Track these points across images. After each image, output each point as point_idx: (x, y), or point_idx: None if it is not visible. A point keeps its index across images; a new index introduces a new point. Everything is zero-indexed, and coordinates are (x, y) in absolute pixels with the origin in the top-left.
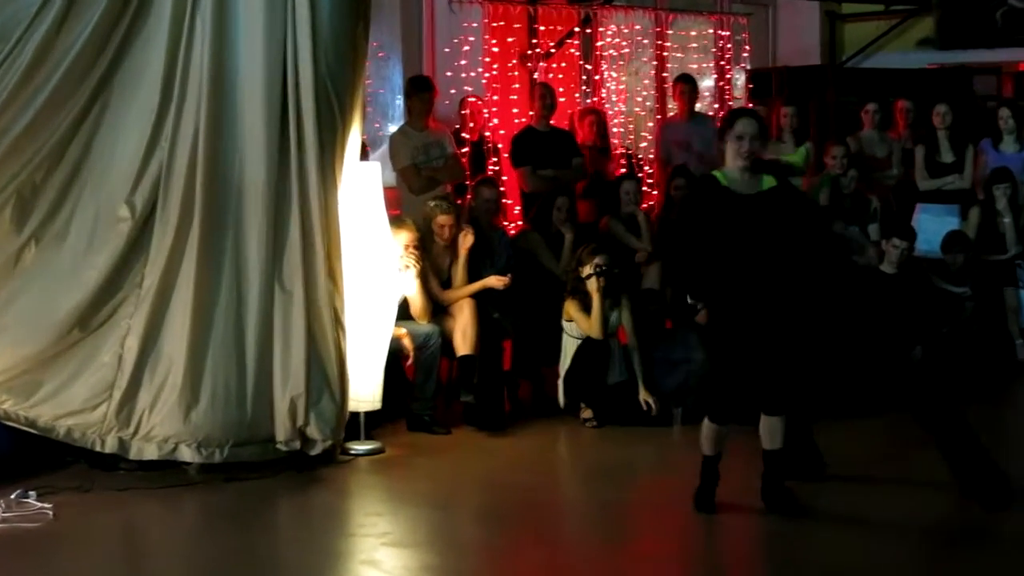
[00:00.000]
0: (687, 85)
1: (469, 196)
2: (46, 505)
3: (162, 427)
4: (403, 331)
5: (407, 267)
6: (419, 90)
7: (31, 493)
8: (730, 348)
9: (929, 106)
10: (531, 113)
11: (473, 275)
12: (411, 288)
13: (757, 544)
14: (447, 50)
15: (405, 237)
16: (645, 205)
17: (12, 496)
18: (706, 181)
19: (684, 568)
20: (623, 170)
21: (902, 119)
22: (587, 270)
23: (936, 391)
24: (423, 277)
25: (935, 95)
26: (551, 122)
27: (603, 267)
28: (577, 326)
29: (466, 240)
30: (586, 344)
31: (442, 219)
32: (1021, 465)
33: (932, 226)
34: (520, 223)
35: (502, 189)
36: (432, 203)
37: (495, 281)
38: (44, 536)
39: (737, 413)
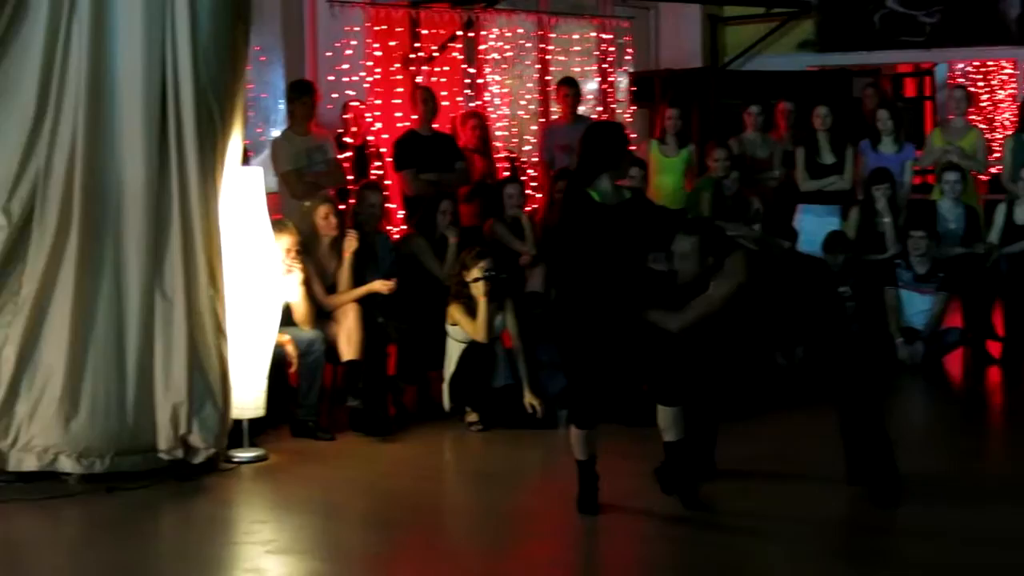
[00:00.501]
0: (570, 88)
1: (352, 201)
2: None
3: (41, 437)
4: (286, 338)
5: (290, 271)
6: (301, 94)
7: None
8: (587, 352)
9: (809, 108)
10: (414, 117)
11: (358, 280)
12: (295, 294)
13: (643, 545)
14: (329, 54)
15: (287, 241)
16: (528, 208)
17: None
18: (580, 194)
19: (570, 571)
20: (506, 173)
21: (783, 121)
22: (473, 274)
23: (864, 375)
24: (307, 282)
25: (815, 97)
26: (434, 126)
27: (489, 271)
28: (462, 330)
29: (350, 244)
30: (471, 348)
31: (322, 210)
32: (904, 463)
33: (813, 226)
34: (404, 227)
35: (386, 194)
36: (306, 204)
37: (380, 286)
38: None
39: (600, 415)
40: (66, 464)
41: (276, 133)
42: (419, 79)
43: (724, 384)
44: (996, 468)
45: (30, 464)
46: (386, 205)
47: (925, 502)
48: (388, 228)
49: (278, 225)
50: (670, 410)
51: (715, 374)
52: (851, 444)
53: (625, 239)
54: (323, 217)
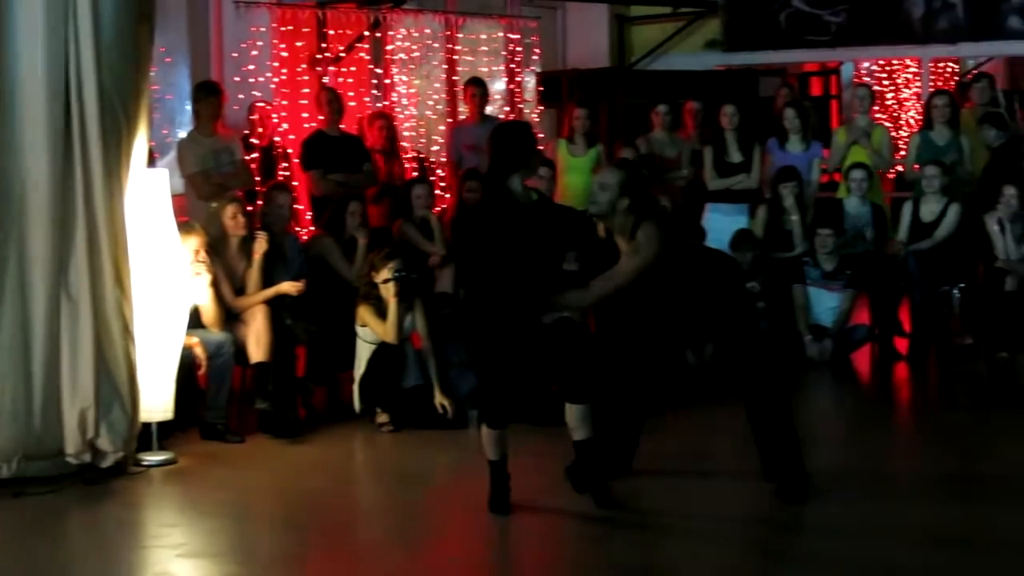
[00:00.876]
0: (478, 88)
1: (260, 202)
2: None
3: None
4: (195, 340)
5: (198, 273)
6: (207, 95)
7: None
8: (498, 352)
9: (717, 107)
10: (320, 118)
11: (267, 281)
12: (203, 295)
13: (556, 544)
14: (235, 54)
15: (194, 242)
16: (437, 209)
17: None
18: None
19: (482, 571)
20: (415, 174)
21: (691, 120)
22: (382, 275)
23: (771, 373)
24: (215, 284)
25: (722, 96)
26: (341, 127)
27: (399, 272)
28: (372, 331)
29: (260, 246)
30: (381, 349)
31: (230, 210)
32: (813, 459)
33: (721, 225)
34: (312, 229)
35: (293, 195)
36: (213, 204)
37: (288, 287)
38: None
39: (512, 415)
40: None
41: (182, 134)
42: (326, 80)
43: (645, 381)
44: (904, 464)
45: None
46: (294, 206)
47: (835, 499)
48: (296, 229)
49: (185, 227)
50: (578, 408)
51: (635, 371)
52: (762, 441)
53: (537, 239)
54: (231, 217)
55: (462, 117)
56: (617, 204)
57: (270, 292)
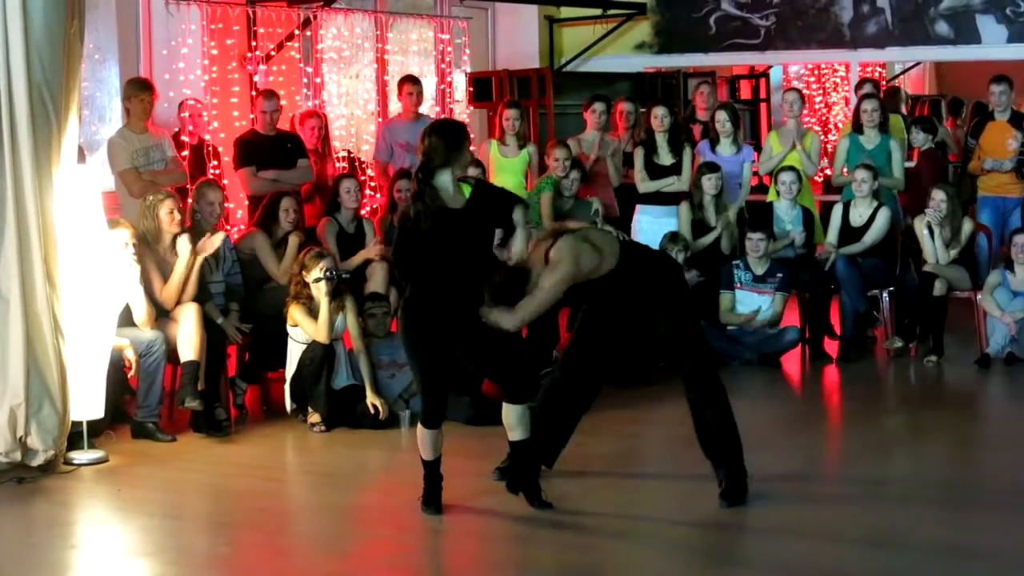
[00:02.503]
0: (413, 86)
1: (191, 199)
2: None
3: None
4: (125, 342)
5: (129, 264)
6: (138, 92)
7: None
8: (433, 352)
9: (647, 109)
10: (251, 116)
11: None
12: (133, 289)
13: (488, 544)
14: (165, 52)
15: (124, 234)
16: (368, 208)
17: None
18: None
19: (414, 570)
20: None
21: (622, 121)
22: (313, 274)
23: (715, 372)
24: (145, 279)
25: (652, 98)
26: (275, 126)
27: (330, 271)
28: (303, 330)
29: (212, 244)
30: (311, 348)
31: (168, 205)
32: (747, 460)
33: (651, 227)
34: (241, 227)
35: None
36: (149, 198)
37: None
38: None
39: (444, 415)
40: None
41: (111, 131)
42: (257, 78)
43: (592, 381)
44: (834, 466)
45: None
46: (224, 203)
47: (771, 500)
48: (226, 228)
49: (113, 221)
50: (516, 408)
51: (584, 371)
52: (706, 440)
53: (468, 237)
54: (168, 213)
55: (394, 115)
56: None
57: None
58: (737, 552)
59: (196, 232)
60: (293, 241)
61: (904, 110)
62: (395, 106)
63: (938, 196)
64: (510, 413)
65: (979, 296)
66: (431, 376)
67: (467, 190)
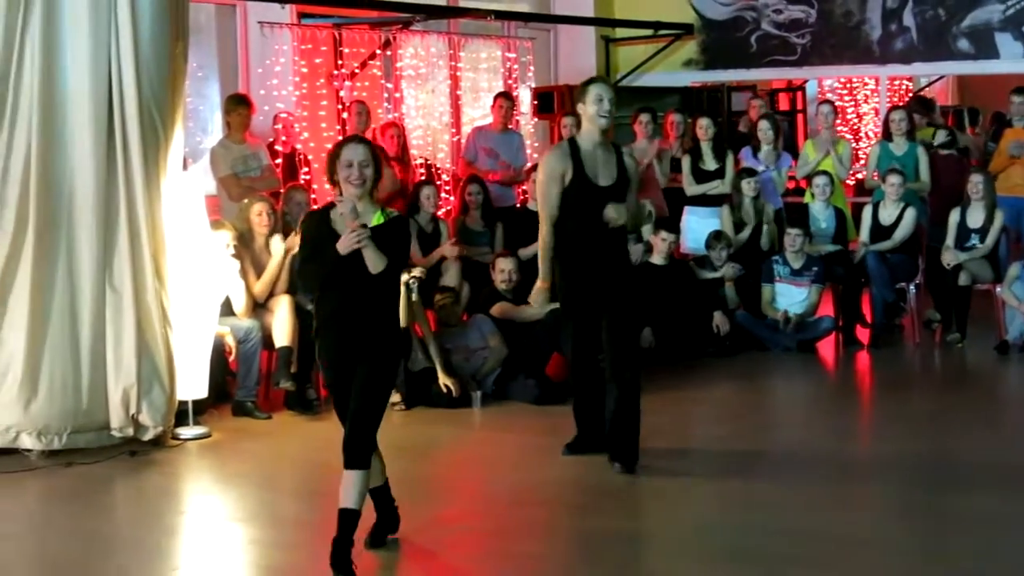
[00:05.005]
0: (505, 100)
1: (281, 203)
2: None
3: (4, 417)
4: (226, 329)
5: (229, 263)
6: (237, 106)
7: None
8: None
9: (694, 120)
10: (337, 127)
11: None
12: (234, 286)
13: (549, 510)
14: (260, 70)
15: (226, 235)
16: (443, 210)
17: None
18: (317, 216)
19: (485, 534)
20: (422, 178)
21: (672, 131)
22: (403, 277)
23: (632, 355)
24: (244, 276)
25: (698, 110)
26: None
27: (418, 279)
28: None
29: (292, 242)
30: None
31: (257, 207)
32: (782, 439)
33: (698, 226)
34: None
35: (314, 196)
36: (244, 201)
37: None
38: None
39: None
40: (27, 441)
41: (213, 141)
42: (343, 93)
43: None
44: (867, 442)
45: None
46: (312, 206)
47: (806, 474)
48: None
49: (216, 224)
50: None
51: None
52: (621, 417)
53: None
54: (256, 215)
55: (486, 124)
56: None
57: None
58: (776, 522)
59: (287, 231)
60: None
61: (939, 121)
62: (466, 118)
63: (976, 178)
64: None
65: (999, 288)
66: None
67: (379, 218)
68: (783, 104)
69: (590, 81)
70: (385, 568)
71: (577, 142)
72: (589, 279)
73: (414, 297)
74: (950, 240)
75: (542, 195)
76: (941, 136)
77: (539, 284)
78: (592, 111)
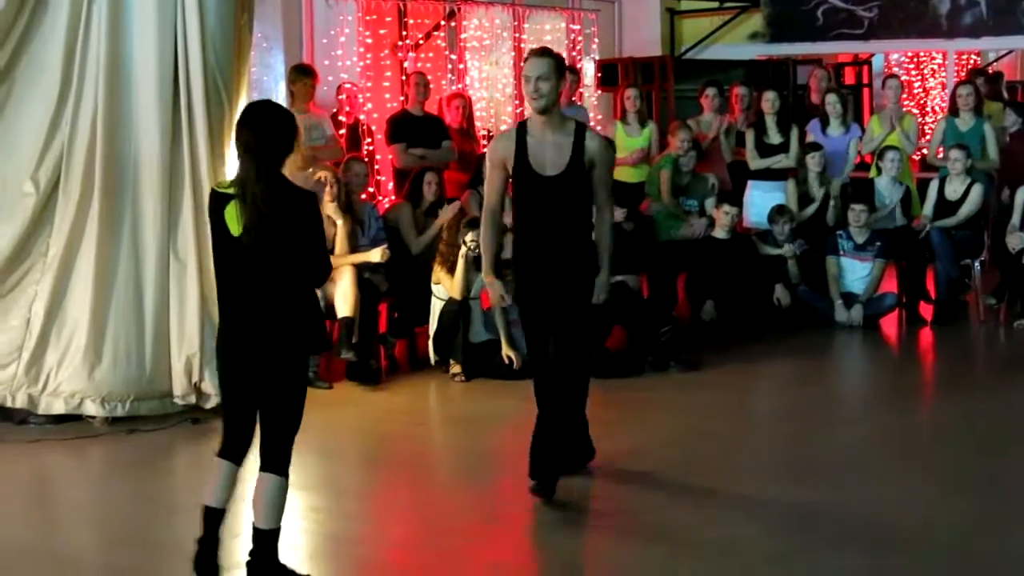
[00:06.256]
0: (569, 74)
1: (341, 172)
2: None
3: (68, 384)
4: None
5: None
6: (302, 76)
7: None
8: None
9: (759, 93)
10: (401, 98)
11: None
12: None
13: (601, 481)
14: (325, 41)
15: None
16: None
17: None
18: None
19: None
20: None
21: (737, 104)
22: (464, 240)
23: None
24: None
25: (764, 83)
26: (424, 107)
27: (477, 242)
28: (443, 288)
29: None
30: (449, 304)
31: (320, 174)
32: (846, 417)
33: (761, 200)
34: (393, 198)
35: (376, 167)
36: (308, 170)
37: (375, 255)
38: None
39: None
40: (91, 408)
41: None
42: (406, 64)
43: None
44: (930, 417)
45: (58, 408)
46: (372, 176)
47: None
48: (379, 199)
49: None
50: (272, 480)
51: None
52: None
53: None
54: (317, 180)
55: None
56: (558, 88)
57: (359, 258)
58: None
59: (348, 202)
60: (441, 215)
61: (1006, 96)
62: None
63: None
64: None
65: None
66: (233, 406)
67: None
68: (849, 78)
69: (526, 58)
70: (452, 535)
71: (527, 125)
72: (534, 280)
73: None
74: (1016, 219)
75: (486, 182)
76: (1011, 120)
77: (484, 277)
78: (525, 93)
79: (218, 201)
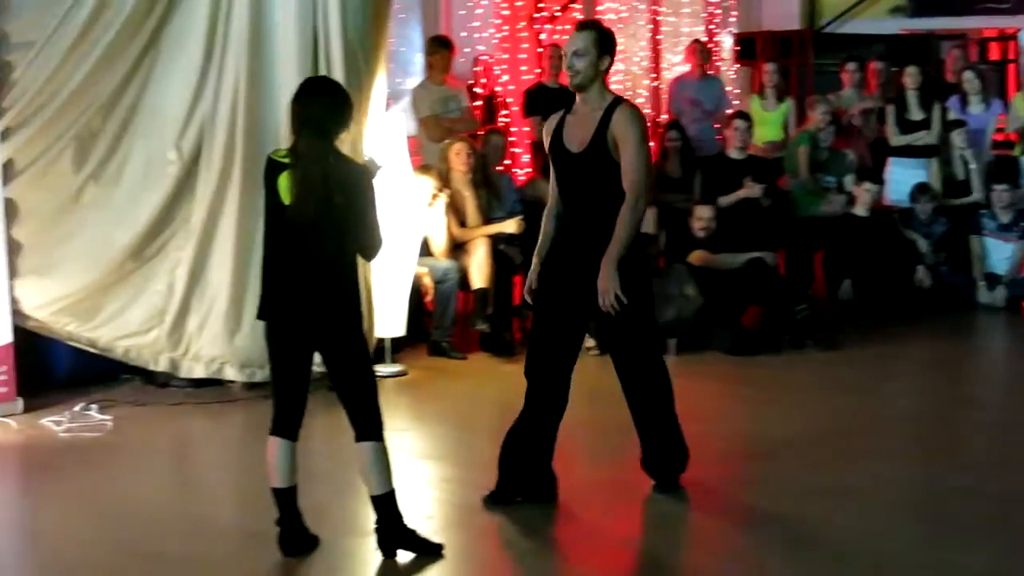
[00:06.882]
0: (699, 46)
1: (479, 144)
2: (106, 417)
3: (209, 348)
4: (424, 269)
5: (431, 205)
6: (439, 48)
7: (93, 406)
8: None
9: (899, 68)
10: (537, 70)
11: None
12: (436, 227)
13: (733, 460)
14: (462, 12)
15: (430, 181)
16: None
17: (76, 408)
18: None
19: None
20: None
21: (874, 79)
22: None
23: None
24: (446, 217)
25: (905, 58)
26: (559, 80)
27: None
28: None
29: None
30: None
31: (456, 147)
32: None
33: (902, 178)
34: (529, 171)
35: (512, 138)
36: (445, 141)
37: (510, 226)
38: (104, 445)
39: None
40: (230, 372)
41: (414, 83)
42: (543, 36)
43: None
44: None
45: (199, 372)
46: (509, 148)
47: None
48: (514, 171)
49: (424, 168)
50: (367, 447)
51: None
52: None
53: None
54: (456, 154)
55: (684, 72)
56: (599, 65)
57: (493, 228)
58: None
59: (484, 174)
60: None
61: None
62: (666, 63)
63: None
64: (366, 455)
65: None
66: (282, 379)
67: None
68: (994, 53)
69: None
70: (582, 511)
71: (575, 104)
72: (555, 268)
73: None
74: None
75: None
76: None
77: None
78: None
79: (273, 168)
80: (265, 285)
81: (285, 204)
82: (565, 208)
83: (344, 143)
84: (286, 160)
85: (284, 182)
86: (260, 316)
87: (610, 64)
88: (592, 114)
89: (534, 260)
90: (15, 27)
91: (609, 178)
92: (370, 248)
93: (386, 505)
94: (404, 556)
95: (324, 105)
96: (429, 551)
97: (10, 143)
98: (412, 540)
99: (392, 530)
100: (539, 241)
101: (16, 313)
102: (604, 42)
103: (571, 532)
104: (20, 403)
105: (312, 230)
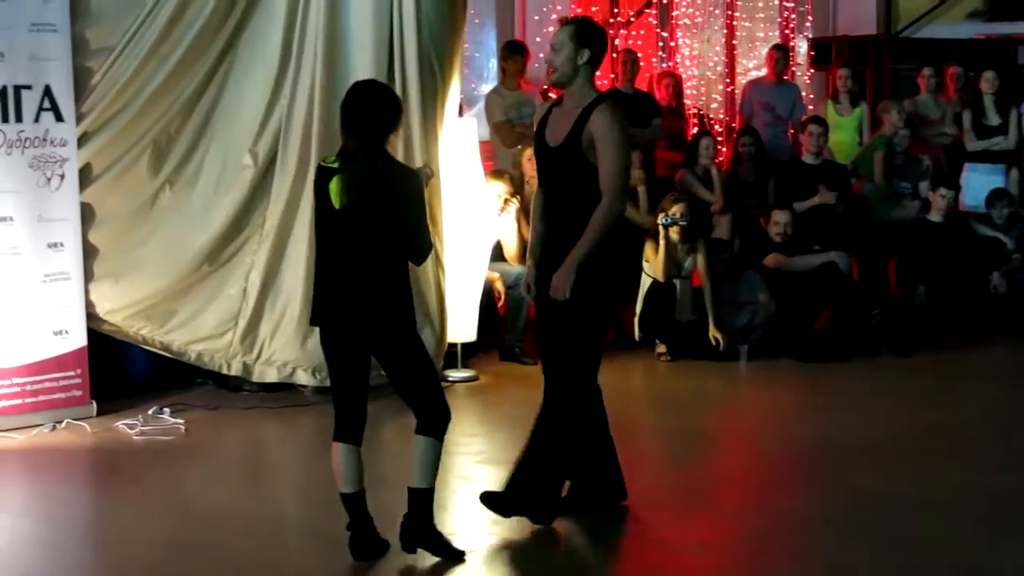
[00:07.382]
0: (779, 52)
1: None
2: (179, 421)
3: (281, 353)
4: (496, 274)
5: (504, 210)
6: (513, 53)
7: (166, 410)
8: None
9: (976, 74)
10: (612, 76)
11: None
12: (508, 232)
13: (805, 462)
14: (537, 17)
15: (502, 187)
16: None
17: (149, 412)
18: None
19: (747, 483)
20: (695, 128)
21: (952, 84)
22: (660, 217)
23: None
24: (516, 221)
25: (982, 63)
26: (634, 85)
27: (668, 219)
28: (650, 267)
29: None
30: (654, 285)
31: (530, 152)
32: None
33: (979, 183)
34: None
35: None
36: (518, 147)
37: None
38: (177, 448)
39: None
40: (302, 377)
41: (488, 89)
42: (617, 42)
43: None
44: None
45: (271, 376)
46: None
47: None
48: None
49: (496, 173)
50: (424, 441)
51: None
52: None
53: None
54: (528, 159)
55: (760, 75)
56: (576, 59)
57: None
58: None
59: None
60: (640, 189)
61: None
62: (741, 68)
63: None
64: (421, 447)
65: None
66: (341, 384)
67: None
68: None
69: None
70: (649, 517)
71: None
72: (543, 264)
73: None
74: None
75: None
76: None
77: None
78: None
79: (323, 175)
80: (317, 291)
81: (336, 208)
82: (545, 203)
83: (394, 146)
84: (335, 166)
85: (335, 186)
86: (313, 322)
87: (591, 57)
88: (573, 111)
89: (528, 261)
90: (94, 33)
91: (583, 177)
92: (418, 252)
93: (420, 501)
94: (473, 560)
95: (372, 108)
96: (451, 555)
97: (88, 148)
98: (436, 542)
99: (419, 527)
100: (530, 241)
101: (91, 317)
102: (582, 35)
103: (641, 536)
104: (94, 406)
105: (362, 234)
